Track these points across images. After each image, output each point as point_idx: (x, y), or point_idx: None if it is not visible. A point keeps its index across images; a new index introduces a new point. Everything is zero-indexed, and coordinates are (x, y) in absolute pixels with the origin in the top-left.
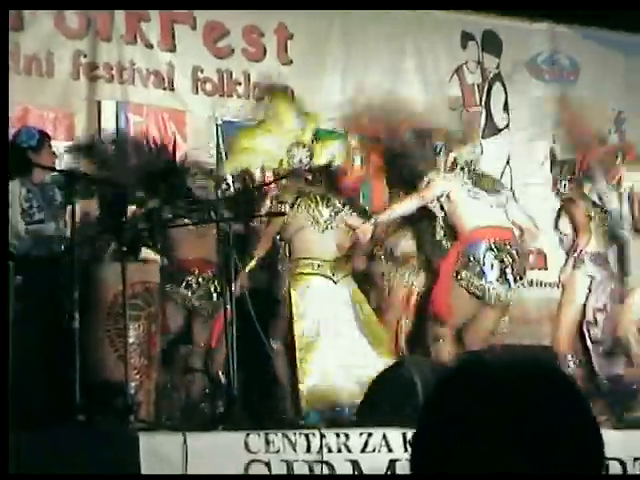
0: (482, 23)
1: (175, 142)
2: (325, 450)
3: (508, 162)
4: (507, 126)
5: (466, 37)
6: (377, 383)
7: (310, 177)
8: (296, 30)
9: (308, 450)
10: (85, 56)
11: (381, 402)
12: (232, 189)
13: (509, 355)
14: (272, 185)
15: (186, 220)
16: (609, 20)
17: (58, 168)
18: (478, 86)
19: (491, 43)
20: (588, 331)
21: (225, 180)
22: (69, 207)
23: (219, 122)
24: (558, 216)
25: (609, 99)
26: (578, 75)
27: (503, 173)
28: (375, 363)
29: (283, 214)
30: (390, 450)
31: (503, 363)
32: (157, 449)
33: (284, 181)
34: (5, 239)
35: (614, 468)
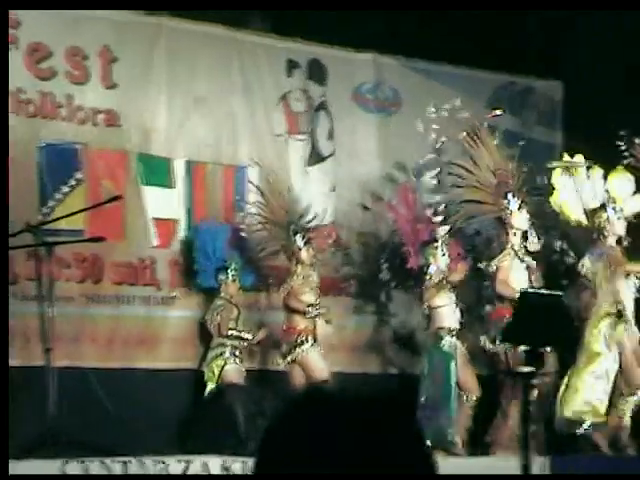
0: (308, 51)
1: None
2: None
3: (333, 190)
4: (332, 154)
5: (292, 65)
6: (198, 410)
7: None
8: (120, 53)
9: None
10: None
11: (201, 429)
12: None
13: (349, 385)
14: None
15: None
16: (432, 52)
17: None
18: (303, 114)
19: (317, 71)
20: None
21: None
22: None
23: (41, 144)
24: None
25: (430, 129)
26: (400, 105)
27: (327, 200)
28: None
29: None
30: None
31: (341, 392)
32: None
33: None
34: (5, 239)
35: None
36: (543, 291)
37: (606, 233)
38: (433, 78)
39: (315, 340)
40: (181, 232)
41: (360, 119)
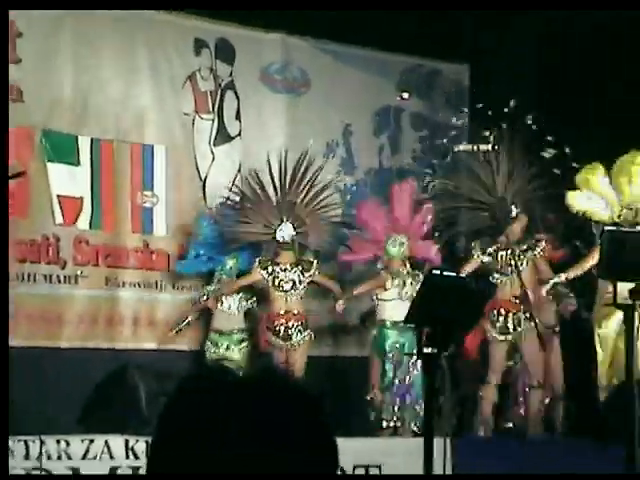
0: (215, 31)
1: None
2: (45, 457)
3: (239, 170)
4: (239, 134)
5: (199, 44)
6: (101, 388)
7: None
8: (26, 29)
9: (27, 457)
10: None
11: (105, 409)
12: None
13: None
14: None
15: None
16: (341, 33)
17: None
18: (211, 93)
19: (224, 51)
20: None
21: None
22: None
23: None
24: None
25: (338, 111)
26: (309, 86)
27: (234, 181)
28: None
29: None
30: (112, 457)
31: (239, 373)
32: None
33: None
34: (5, 238)
35: None
36: (448, 273)
37: None
38: (341, 60)
39: (307, 327)
40: (87, 210)
41: (268, 99)
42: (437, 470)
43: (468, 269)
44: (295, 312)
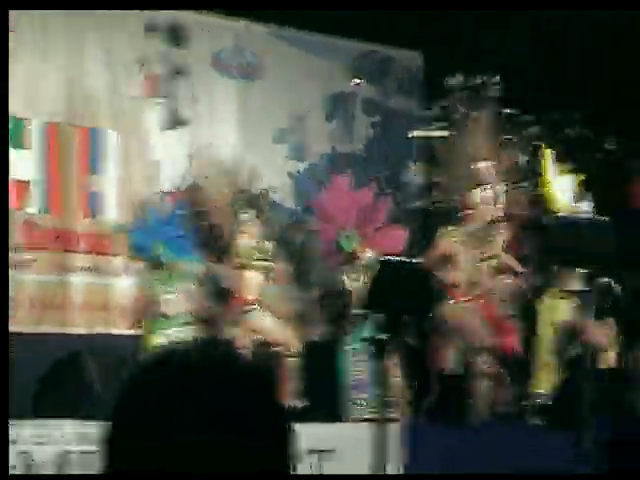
0: (168, 15)
1: None
2: None
3: (192, 155)
4: (191, 119)
5: (151, 28)
6: (53, 372)
7: None
8: None
9: None
10: None
11: (57, 393)
12: None
13: (204, 345)
14: None
15: None
16: (294, 19)
17: None
18: (163, 78)
19: (177, 36)
20: None
21: None
22: None
23: None
24: None
25: (291, 96)
26: (261, 72)
27: (186, 166)
28: None
29: None
30: (64, 442)
31: (194, 351)
32: None
33: None
34: (5, 238)
35: None
36: (403, 259)
37: None
38: (295, 45)
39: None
40: (36, 194)
41: (220, 84)
42: (391, 455)
43: (432, 255)
44: (252, 296)
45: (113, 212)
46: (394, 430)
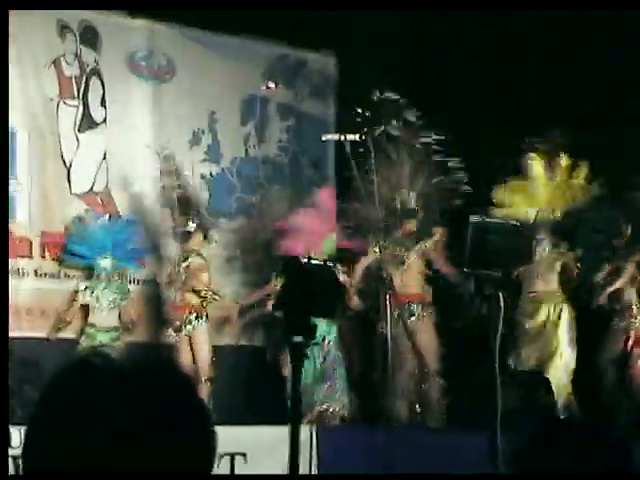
0: (80, 16)
1: None
2: None
3: (105, 157)
4: (104, 121)
5: (64, 29)
6: None
7: None
8: None
9: None
10: None
11: None
12: None
13: (132, 352)
14: None
15: None
16: (207, 21)
17: None
18: (76, 79)
19: (90, 37)
20: None
21: None
22: None
23: None
24: None
25: (204, 99)
26: (175, 74)
27: (99, 167)
28: None
29: None
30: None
31: (121, 360)
32: None
33: None
34: (5, 239)
35: None
36: (313, 261)
37: None
38: (208, 48)
39: (206, 318)
40: None
41: (134, 86)
42: (303, 459)
43: (364, 263)
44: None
45: (25, 215)
46: (307, 433)
